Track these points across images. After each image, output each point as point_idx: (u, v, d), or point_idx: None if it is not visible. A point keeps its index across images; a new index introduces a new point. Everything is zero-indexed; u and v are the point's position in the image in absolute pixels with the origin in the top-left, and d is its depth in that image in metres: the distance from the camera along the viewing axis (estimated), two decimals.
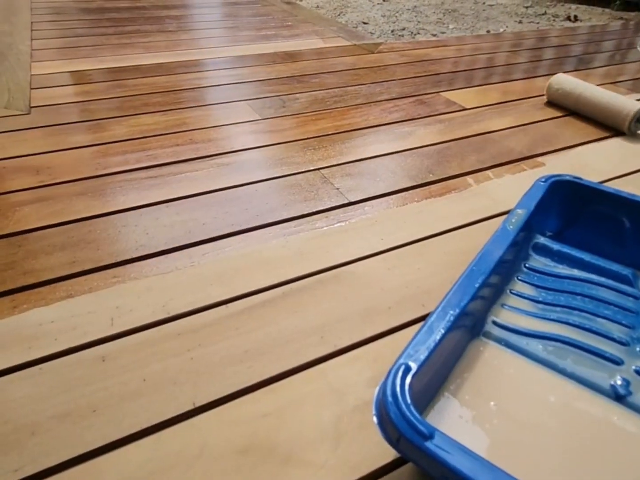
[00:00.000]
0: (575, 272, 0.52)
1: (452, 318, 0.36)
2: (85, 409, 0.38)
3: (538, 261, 0.54)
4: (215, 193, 0.68)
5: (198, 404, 0.39)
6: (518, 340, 0.44)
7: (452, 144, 0.86)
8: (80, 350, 0.43)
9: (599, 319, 0.46)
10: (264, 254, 0.57)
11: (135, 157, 0.77)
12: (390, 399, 0.30)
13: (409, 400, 0.29)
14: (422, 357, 0.32)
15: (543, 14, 2.11)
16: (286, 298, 0.50)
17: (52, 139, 0.82)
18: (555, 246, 0.55)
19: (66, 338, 0.44)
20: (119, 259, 0.55)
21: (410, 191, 0.71)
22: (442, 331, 0.35)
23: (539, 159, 0.82)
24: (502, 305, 0.47)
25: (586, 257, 0.53)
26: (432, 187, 0.72)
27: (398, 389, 0.30)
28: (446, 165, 0.78)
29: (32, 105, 0.95)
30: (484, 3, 2.32)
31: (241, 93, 1.05)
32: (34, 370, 0.41)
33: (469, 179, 0.75)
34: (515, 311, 0.47)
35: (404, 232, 0.61)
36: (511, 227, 0.49)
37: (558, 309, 0.47)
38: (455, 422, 0.35)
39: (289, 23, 1.71)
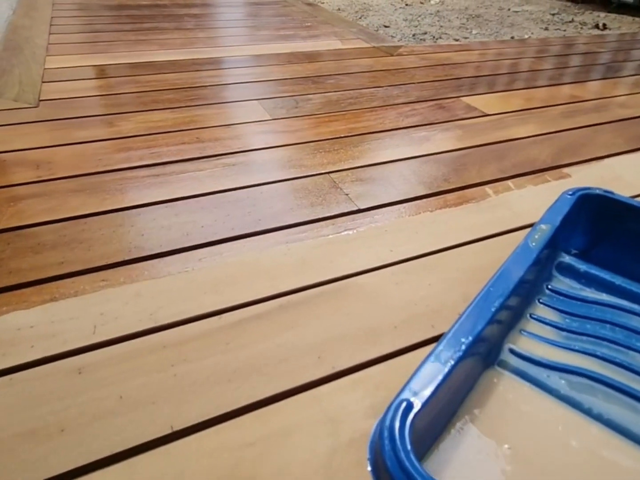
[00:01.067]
0: (604, 297, 0.47)
1: (463, 347, 0.32)
2: (54, 428, 0.35)
3: (562, 283, 0.49)
4: (218, 194, 0.65)
5: (177, 428, 0.35)
6: (538, 373, 0.39)
7: (471, 151, 0.81)
8: (57, 360, 0.40)
9: (631, 352, 0.41)
10: (264, 261, 0.53)
11: (139, 154, 0.74)
12: (387, 442, 0.25)
13: (408, 446, 0.25)
14: (427, 393, 0.28)
15: (570, 22, 2.04)
16: (283, 311, 0.46)
17: (56, 133, 0.80)
18: (582, 266, 0.50)
19: (43, 346, 0.41)
20: (110, 261, 0.52)
21: (424, 200, 0.66)
22: (452, 362, 0.31)
23: (565, 169, 0.76)
24: (521, 331, 0.43)
25: (617, 280, 0.48)
26: (448, 196, 0.68)
27: (397, 431, 0.26)
28: (464, 173, 0.74)
29: (41, 98, 0.94)
30: (509, 9, 2.26)
31: (253, 92, 1.02)
32: (4, 381, 0.38)
33: (488, 188, 0.70)
34: (535, 339, 0.42)
35: (416, 243, 0.57)
36: (534, 243, 0.45)
37: (584, 338, 0.42)
38: (463, 468, 0.31)
39: (309, 24, 1.68)
